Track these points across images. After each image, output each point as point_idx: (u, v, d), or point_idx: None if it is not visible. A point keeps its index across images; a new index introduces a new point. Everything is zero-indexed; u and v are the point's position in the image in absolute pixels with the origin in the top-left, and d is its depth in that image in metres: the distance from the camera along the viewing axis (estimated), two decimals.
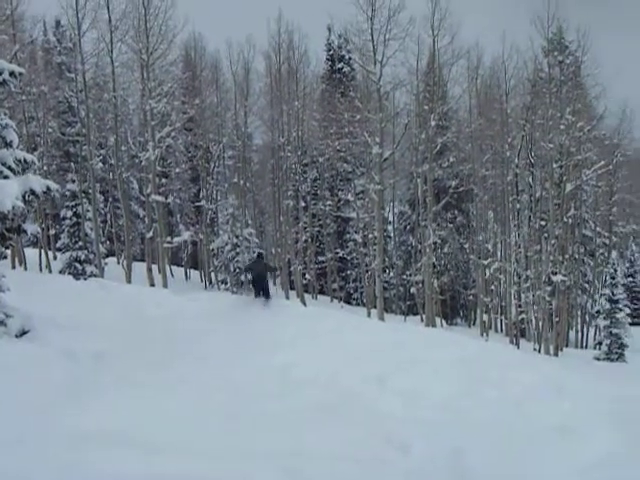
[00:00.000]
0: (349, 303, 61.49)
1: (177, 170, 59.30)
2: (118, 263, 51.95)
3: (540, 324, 49.17)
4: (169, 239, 50.48)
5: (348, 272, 63.59)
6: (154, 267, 45.69)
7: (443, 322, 53.74)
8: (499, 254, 54.41)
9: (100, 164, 53.73)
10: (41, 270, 47.61)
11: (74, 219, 42.31)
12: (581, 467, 9.11)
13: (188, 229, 58.68)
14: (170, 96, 47.33)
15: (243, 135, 61.45)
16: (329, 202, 62.20)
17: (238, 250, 51.45)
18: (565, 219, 49.18)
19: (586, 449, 9.56)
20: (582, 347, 58.98)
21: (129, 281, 43.31)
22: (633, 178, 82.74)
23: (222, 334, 16.00)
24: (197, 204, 59.80)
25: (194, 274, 60.86)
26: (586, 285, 62.32)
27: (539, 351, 46.85)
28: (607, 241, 67.06)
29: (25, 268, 47.82)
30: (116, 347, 13.86)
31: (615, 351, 47.13)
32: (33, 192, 15.04)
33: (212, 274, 57.52)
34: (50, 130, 53.65)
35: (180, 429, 9.03)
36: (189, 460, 8.05)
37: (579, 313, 62.56)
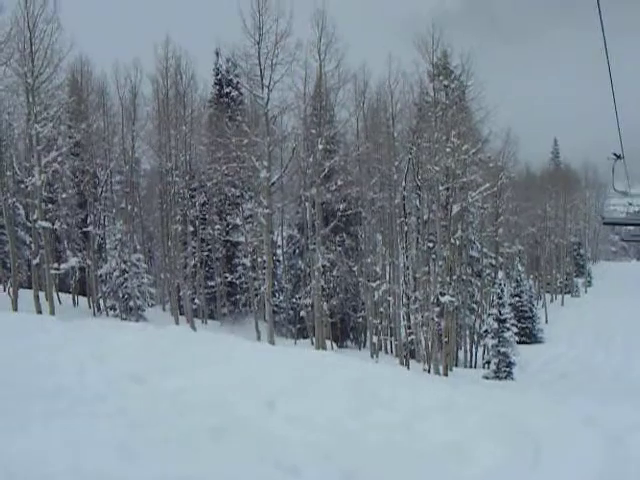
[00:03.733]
0: None
1: (64, 195, 57.90)
2: (4, 290, 50.58)
3: (429, 344, 49.65)
4: (56, 265, 49.58)
5: (237, 296, 63.30)
6: (41, 294, 44.65)
7: (333, 345, 53.81)
8: (388, 276, 54.84)
9: None
10: None
11: None
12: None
13: (75, 255, 57.55)
14: (56, 120, 46.37)
15: (131, 160, 60.80)
16: (217, 226, 61.88)
17: (126, 276, 50.72)
18: (452, 240, 49.84)
19: (473, 464, 9.66)
20: (471, 366, 59.84)
21: (15, 309, 42.18)
22: (517, 200, 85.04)
23: (114, 359, 15.67)
24: (84, 230, 58.57)
25: (82, 301, 59.52)
26: (474, 305, 63.29)
27: (429, 371, 47.28)
28: (494, 261, 68.48)
29: None
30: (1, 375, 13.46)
31: (503, 369, 48.08)
32: None
33: (100, 300, 56.45)
34: None
35: (71, 457, 8.75)
36: None
37: (467, 333, 63.50)
